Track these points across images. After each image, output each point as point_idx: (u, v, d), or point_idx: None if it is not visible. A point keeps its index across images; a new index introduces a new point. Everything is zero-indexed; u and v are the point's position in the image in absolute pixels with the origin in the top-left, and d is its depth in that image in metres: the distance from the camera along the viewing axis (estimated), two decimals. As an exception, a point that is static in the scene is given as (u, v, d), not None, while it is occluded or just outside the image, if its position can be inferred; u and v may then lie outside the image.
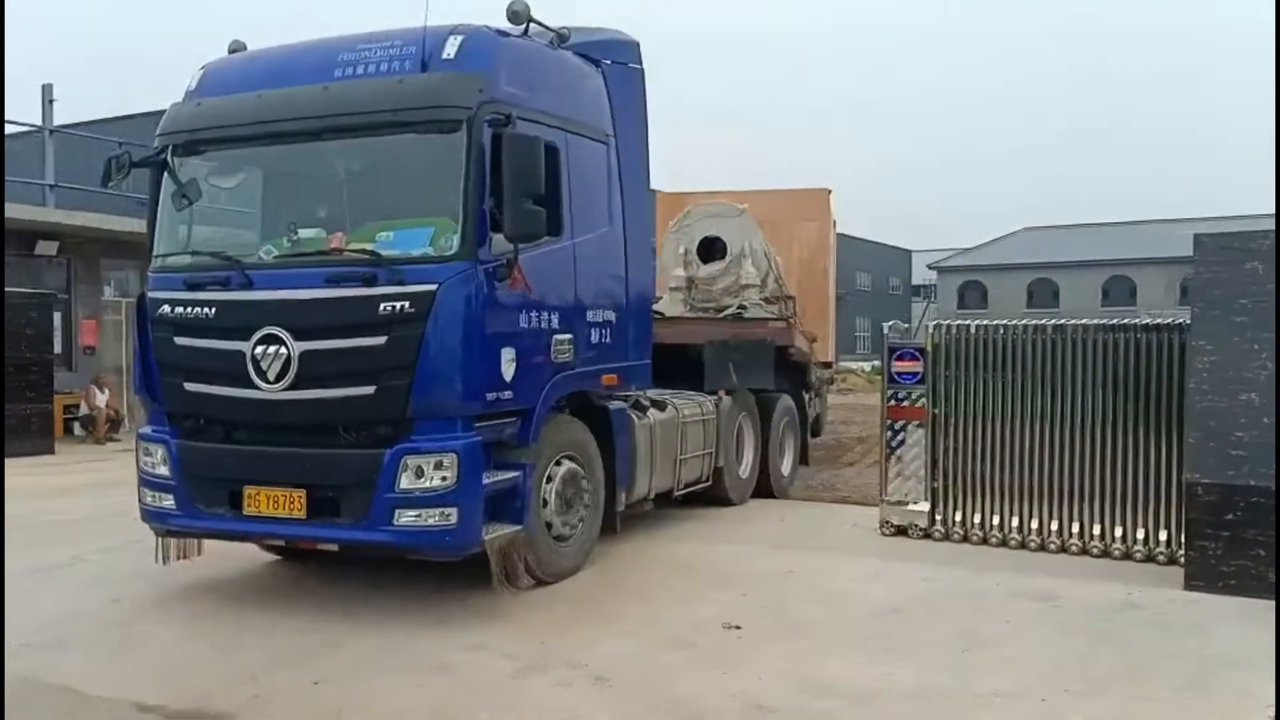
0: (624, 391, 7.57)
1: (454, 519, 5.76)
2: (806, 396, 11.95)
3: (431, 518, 5.75)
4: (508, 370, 6.09)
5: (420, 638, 5.83)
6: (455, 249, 5.88)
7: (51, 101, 19.85)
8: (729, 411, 9.42)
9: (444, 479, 5.76)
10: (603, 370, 7.19)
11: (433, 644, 5.71)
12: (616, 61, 7.66)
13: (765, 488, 10.37)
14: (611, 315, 7.27)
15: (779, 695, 4.97)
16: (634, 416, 7.70)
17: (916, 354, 8.37)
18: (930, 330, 8.41)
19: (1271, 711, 4.64)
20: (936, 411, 8.31)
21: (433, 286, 5.77)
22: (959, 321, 8.51)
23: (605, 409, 7.33)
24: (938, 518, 8.30)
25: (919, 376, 8.34)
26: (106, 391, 17.28)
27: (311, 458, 6.00)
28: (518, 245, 5.98)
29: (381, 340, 5.80)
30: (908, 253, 68.97)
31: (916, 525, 8.35)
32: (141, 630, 6.11)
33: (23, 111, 39.32)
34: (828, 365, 15.47)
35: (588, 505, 7.04)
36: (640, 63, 7.99)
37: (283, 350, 5.92)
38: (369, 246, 6.05)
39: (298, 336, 5.93)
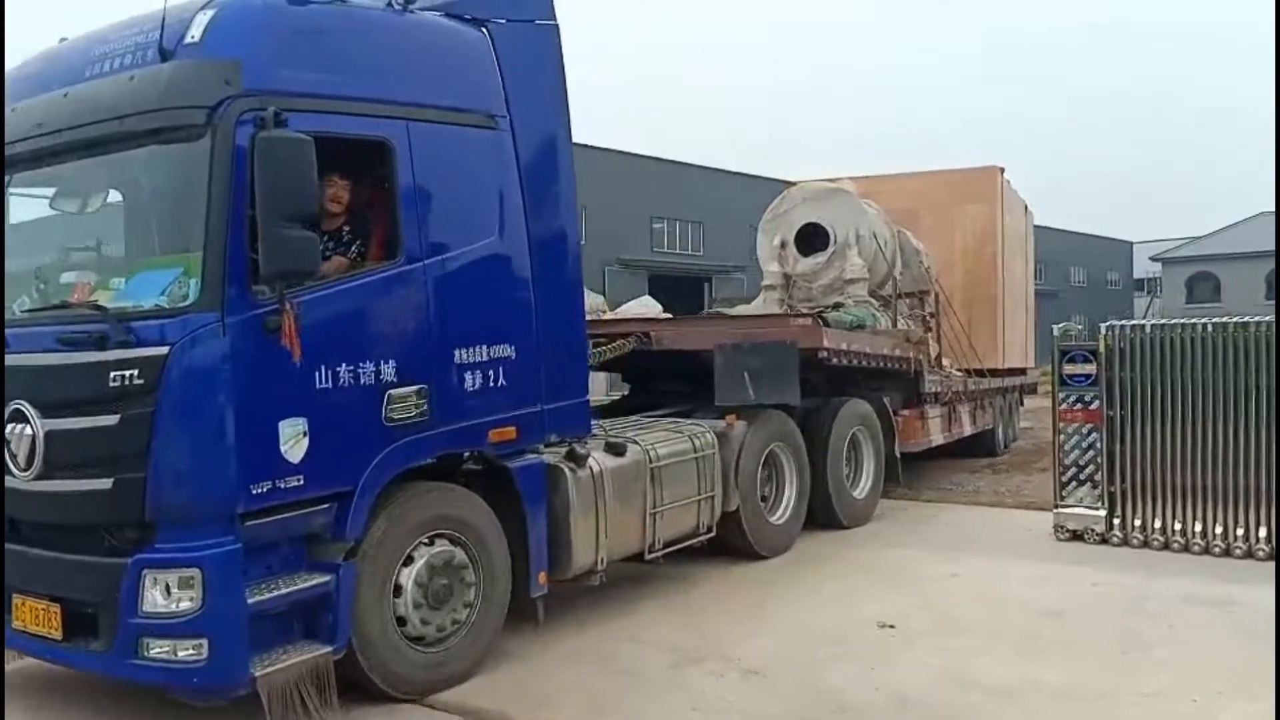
0: (531, 444, 5.93)
1: (204, 653, 4.49)
2: (923, 410, 10.47)
3: (183, 650, 4.50)
4: (293, 448, 4.71)
5: (585, 630, 6.31)
6: (192, 298, 4.54)
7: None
8: (748, 440, 7.62)
9: (189, 600, 4.48)
10: (491, 423, 5.64)
11: (595, 636, 6.20)
12: (513, 19, 5.95)
13: (828, 517, 8.77)
14: (507, 350, 5.67)
15: (923, 689, 5.19)
16: (564, 471, 6.05)
17: (1089, 356, 8.22)
18: (1103, 332, 8.25)
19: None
20: (1113, 414, 8.14)
21: (164, 350, 4.47)
22: (1133, 322, 8.30)
23: (505, 470, 5.79)
24: (1115, 522, 8.14)
25: (1091, 379, 8.19)
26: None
27: (61, 565, 4.83)
28: (281, 288, 4.58)
29: (114, 419, 4.54)
30: (1128, 244, 64.90)
31: (1093, 530, 8.22)
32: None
33: None
34: (1018, 372, 14.64)
35: (472, 600, 5.53)
36: (553, 16, 6.20)
37: (28, 430, 4.76)
38: (102, 298, 4.87)
39: (42, 413, 4.74)
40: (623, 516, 6.42)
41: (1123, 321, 8.37)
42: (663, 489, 6.74)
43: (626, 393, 10.20)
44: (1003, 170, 13.39)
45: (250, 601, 4.58)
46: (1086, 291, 56.33)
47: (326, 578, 4.86)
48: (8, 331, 4.94)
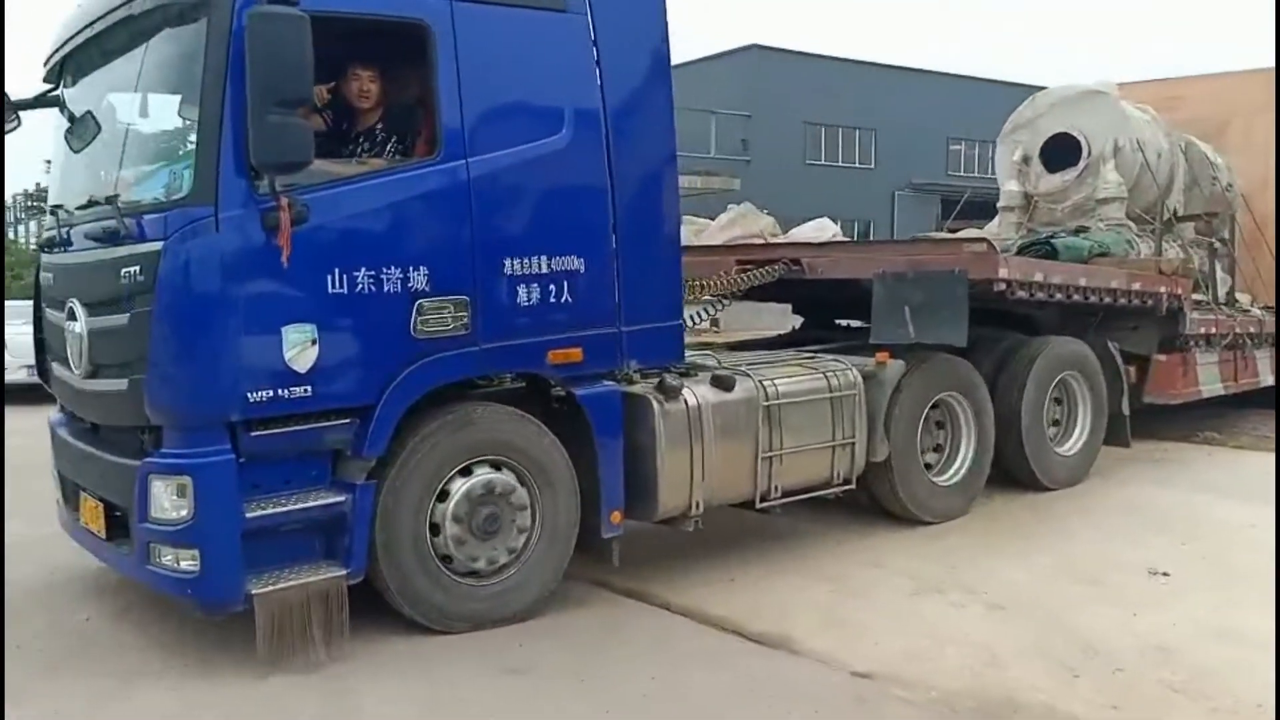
0: (598, 369, 5.29)
1: (196, 565, 4.33)
2: (1187, 354, 8.83)
3: (183, 559, 4.36)
4: (298, 356, 4.40)
5: (822, 550, 6.21)
6: (185, 190, 4.32)
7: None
8: (908, 384, 6.57)
9: (185, 509, 4.33)
10: (551, 343, 5.08)
11: (832, 558, 6.07)
12: None
13: (1025, 477, 7.46)
14: (574, 263, 5.09)
15: (1184, 639, 4.77)
16: (651, 402, 5.38)
17: None
18: None
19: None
20: None
21: (157, 245, 4.27)
22: None
23: (573, 396, 5.24)
24: None
25: None
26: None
27: (101, 464, 4.84)
28: (274, 179, 4.25)
29: (125, 318, 4.43)
30: None
31: None
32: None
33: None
34: None
35: (529, 531, 5.07)
36: None
37: (76, 327, 4.75)
38: (124, 192, 4.68)
39: (87, 310, 4.70)
40: (726, 458, 5.67)
41: None
42: (783, 431, 5.92)
43: (798, 326, 9.28)
44: None
45: (249, 516, 4.35)
46: None
47: (342, 497, 4.55)
48: (74, 229, 4.92)
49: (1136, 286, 8.15)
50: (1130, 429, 8.26)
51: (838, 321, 8.52)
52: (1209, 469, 8.60)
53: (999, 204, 9.91)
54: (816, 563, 6.00)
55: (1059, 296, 7.48)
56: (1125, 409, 8.14)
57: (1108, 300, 7.95)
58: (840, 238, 10.09)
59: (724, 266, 7.16)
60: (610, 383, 5.33)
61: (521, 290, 4.95)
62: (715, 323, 16.34)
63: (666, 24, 5.48)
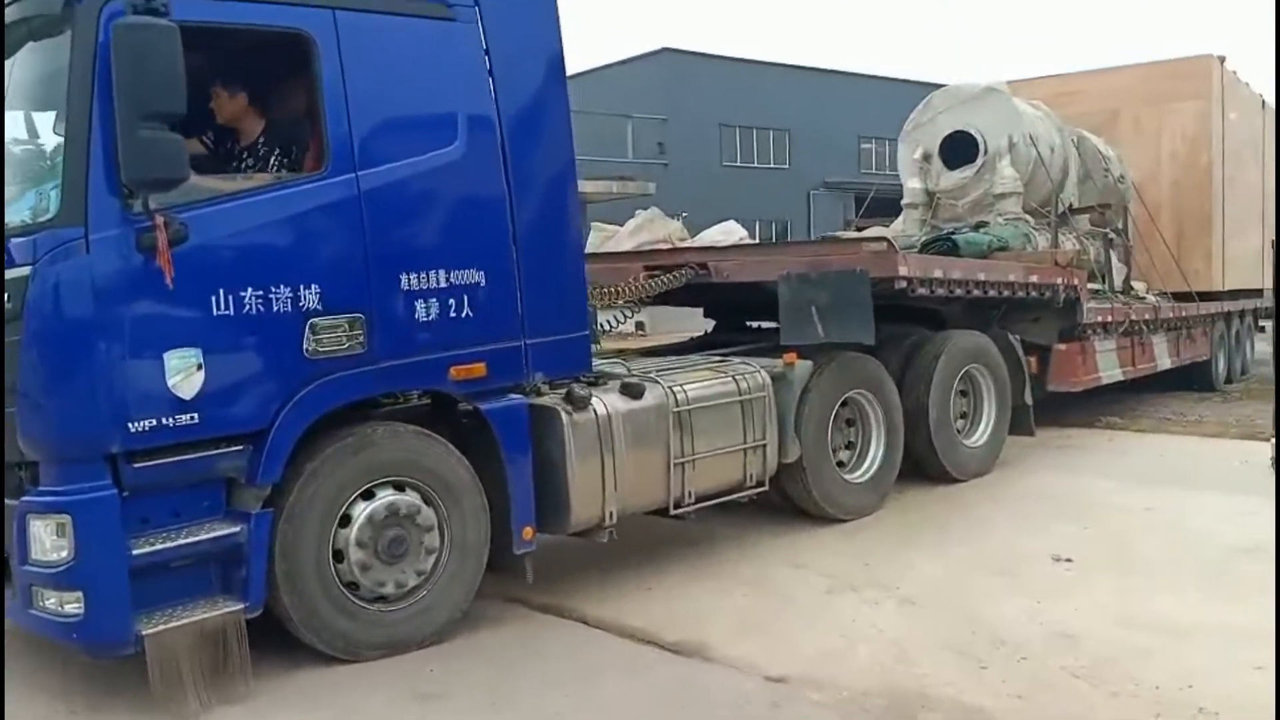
0: (504, 383, 5.15)
1: (81, 608, 4.05)
2: (1085, 343, 9.09)
3: (67, 602, 4.08)
4: (183, 382, 4.18)
5: (744, 553, 6.22)
6: (53, 211, 4.08)
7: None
8: (816, 383, 6.54)
9: (65, 549, 4.06)
10: (453, 359, 4.94)
11: (754, 560, 6.10)
12: None
13: (934, 469, 7.56)
14: (474, 276, 4.94)
15: (1089, 626, 4.88)
16: (559, 414, 5.29)
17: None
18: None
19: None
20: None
21: (25, 270, 4.02)
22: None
23: (477, 412, 5.08)
24: (1340, 452, 7.29)
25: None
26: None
27: None
28: (147, 197, 4.04)
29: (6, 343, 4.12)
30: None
31: (1316, 459, 7.42)
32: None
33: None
34: (1253, 294, 13.13)
35: (438, 552, 4.90)
36: None
37: None
38: (11, 214, 4.32)
39: None
40: (638, 466, 5.60)
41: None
42: (694, 436, 5.87)
43: (711, 330, 9.15)
44: (1223, 60, 11.66)
45: (135, 553, 4.10)
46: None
47: (236, 527, 4.34)
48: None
49: (1034, 279, 8.27)
50: (1035, 418, 8.45)
51: (750, 323, 8.56)
52: (1110, 454, 8.89)
53: (903, 201, 10.10)
54: (734, 567, 6.01)
55: (959, 292, 7.54)
56: (1028, 399, 8.28)
57: (1007, 293, 8.06)
58: (748, 240, 10.04)
59: (632, 273, 7.14)
60: (517, 396, 5.21)
61: (420, 305, 4.80)
62: (640, 325, 16.35)
63: (560, 32, 5.39)
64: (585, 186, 24.31)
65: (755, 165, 36.22)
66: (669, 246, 8.84)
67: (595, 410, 5.44)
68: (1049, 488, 7.64)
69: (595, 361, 5.81)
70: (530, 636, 5.10)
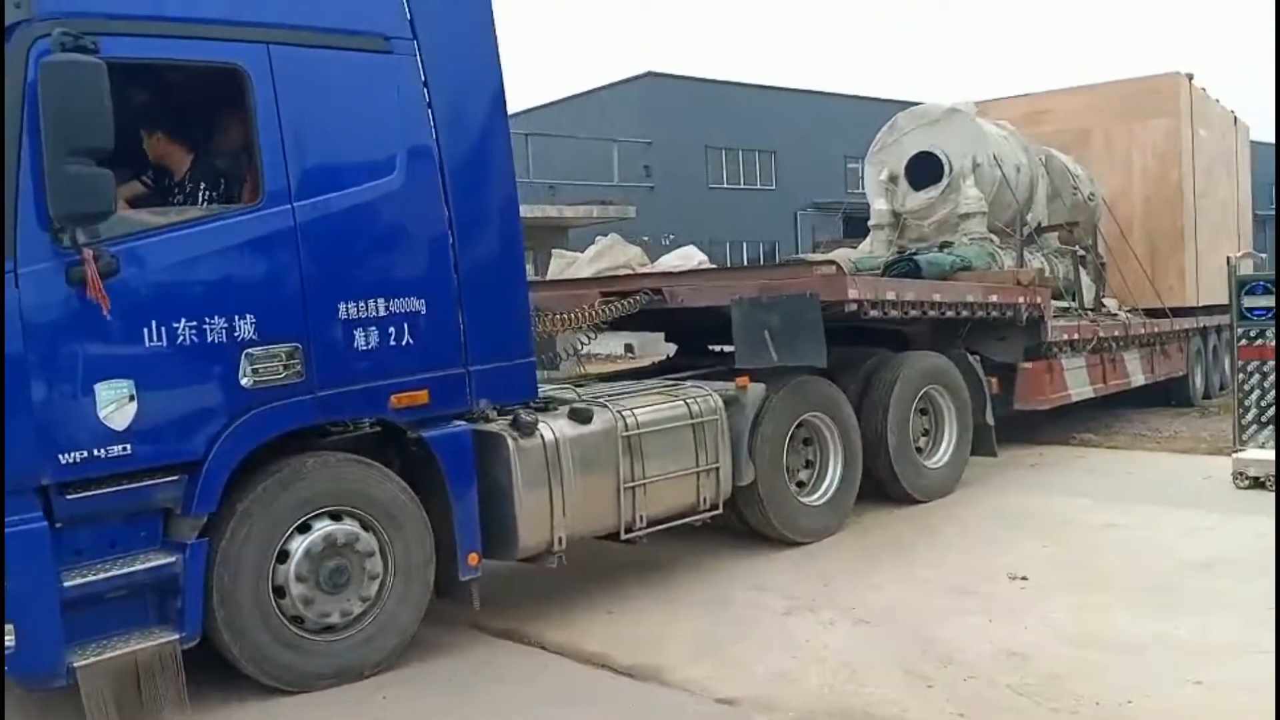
0: (448, 410, 5.17)
1: (12, 640, 4.03)
2: (1052, 361, 9.04)
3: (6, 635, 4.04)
4: (115, 413, 4.21)
5: (705, 575, 6.23)
6: None
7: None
8: (771, 406, 6.55)
9: None
10: (394, 386, 4.94)
11: (716, 582, 6.10)
12: None
13: (895, 491, 7.54)
14: (414, 304, 4.98)
15: (1040, 644, 4.91)
16: (505, 440, 5.27)
17: (1269, 287, 7.50)
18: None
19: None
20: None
21: None
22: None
23: (421, 440, 5.08)
24: (1302, 468, 7.37)
25: (1272, 312, 7.47)
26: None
27: None
28: (75, 231, 4.08)
29: None
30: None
31: (1274, 476, 7.50)
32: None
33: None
34: (1215, 310, 13.16)
35: (381, 576, 4.90)
36: None
37: None
38: None
39: None
40: (587, 491, 5.58)
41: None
42: (644, 460, 5.86)
43: (673, 354, 9.24)
44: (1191, 77, 11.71)
45: (67, 584, 4.10)
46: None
47: (172, 558, 4.33)
48: None
49: (994, 299, 8.25)
50: (1009, 435, 8.50)
51: (710, 347, 8.56)
52: (1079, 471, 8.89)
53: (870, 222, 10.13)
54: (693, 590, 6.02)
55: (914, 313, 7.54)
56: (989, 419, 8.26)
57: (966, 314, 8.06)
58: (707, 265, 10.10)
59: (589, 299, 7.16)
60: (462, 423, 5.21)
61: (359, 334, 4.81)
62: (629, 348, 16.33)
63: (499, 63, 5.43)
64: (566, 210, 24.69)
65: (741, 187, 36.37)
66: (628, 272, 8.89)
67: (543, 436, 5.44)
68: (1012, 506, 7.65)
69: (546, 388, 5.84)
70: (486, 662, 5.11)
